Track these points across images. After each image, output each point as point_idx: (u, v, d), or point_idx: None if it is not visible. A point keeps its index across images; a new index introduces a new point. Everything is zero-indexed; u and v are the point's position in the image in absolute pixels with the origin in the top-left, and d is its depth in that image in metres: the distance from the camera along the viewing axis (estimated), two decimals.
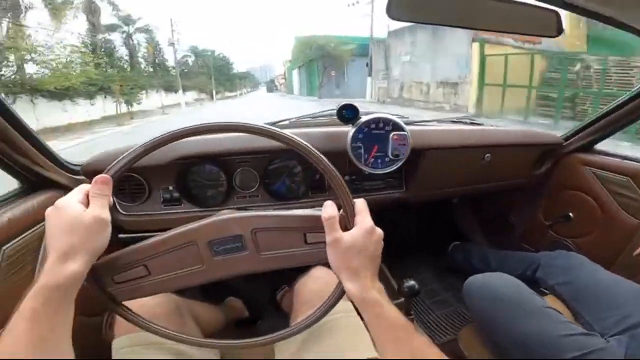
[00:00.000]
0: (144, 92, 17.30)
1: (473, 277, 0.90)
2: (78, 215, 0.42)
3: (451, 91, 11.14)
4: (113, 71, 16.44)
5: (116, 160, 0.47)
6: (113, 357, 0.58)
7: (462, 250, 1.52)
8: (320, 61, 21.45)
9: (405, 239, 1.71)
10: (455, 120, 1.30)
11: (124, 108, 14.93)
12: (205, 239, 0.50)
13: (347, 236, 0.46)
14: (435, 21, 0.67)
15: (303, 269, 0.72)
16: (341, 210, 0.48)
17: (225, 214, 0.52)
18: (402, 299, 0.94)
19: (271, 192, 1.00)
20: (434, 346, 0.45)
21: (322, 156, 0.49)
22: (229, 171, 0.96)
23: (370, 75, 16.48)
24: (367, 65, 16.53)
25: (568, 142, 1.27)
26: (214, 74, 37.30)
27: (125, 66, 20.80)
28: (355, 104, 0.93)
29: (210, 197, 0.97)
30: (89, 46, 15.92)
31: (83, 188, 0.45)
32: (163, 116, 15.68)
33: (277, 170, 0.99)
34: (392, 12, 0.66)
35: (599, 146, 1.25)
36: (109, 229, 0.44)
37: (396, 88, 14.43)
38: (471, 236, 1.68)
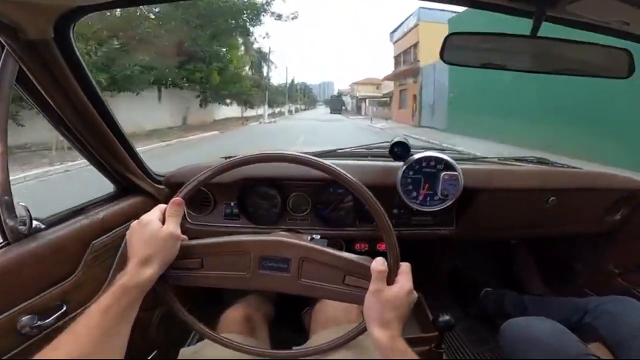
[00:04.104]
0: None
1: (512, 320, 0.87)
2: (157, 231, 0.52)
3: None
4: None
5: (188, 183, 0.58)
6: None
7: (493, 296, 1.39)
8: None
9: (449, 274, 1.64)
10: (519, 158, 1.24)
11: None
12: (259, 254, 0.57)
13: (390, 290, 0.51)
14: (496, 65, 0.67)
15: None
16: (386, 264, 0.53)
17: (282, 236, 0.59)
18: (436, 333, 0.93)
19: (321, 217, 1.06)
20: None
21: (388, 222, 0.54)
22: (285, 194, 1.05)
23: None
24: None
25: None
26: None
27: None
28: None
29: (265, 216, 1.06)
30: None
31: (161, 207, 0.56)
32: None
33: (329, 198, 1.05)
34: (447, 56, 0.67)
35: None
36: (179, 244, 0.55)
37: None
38: (527, 279, 1.55)
